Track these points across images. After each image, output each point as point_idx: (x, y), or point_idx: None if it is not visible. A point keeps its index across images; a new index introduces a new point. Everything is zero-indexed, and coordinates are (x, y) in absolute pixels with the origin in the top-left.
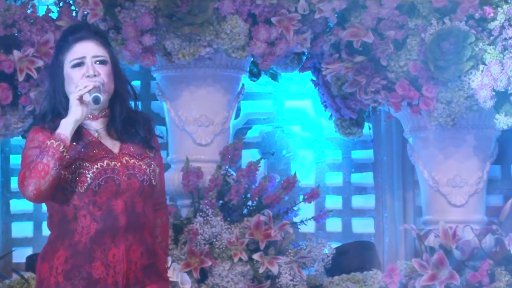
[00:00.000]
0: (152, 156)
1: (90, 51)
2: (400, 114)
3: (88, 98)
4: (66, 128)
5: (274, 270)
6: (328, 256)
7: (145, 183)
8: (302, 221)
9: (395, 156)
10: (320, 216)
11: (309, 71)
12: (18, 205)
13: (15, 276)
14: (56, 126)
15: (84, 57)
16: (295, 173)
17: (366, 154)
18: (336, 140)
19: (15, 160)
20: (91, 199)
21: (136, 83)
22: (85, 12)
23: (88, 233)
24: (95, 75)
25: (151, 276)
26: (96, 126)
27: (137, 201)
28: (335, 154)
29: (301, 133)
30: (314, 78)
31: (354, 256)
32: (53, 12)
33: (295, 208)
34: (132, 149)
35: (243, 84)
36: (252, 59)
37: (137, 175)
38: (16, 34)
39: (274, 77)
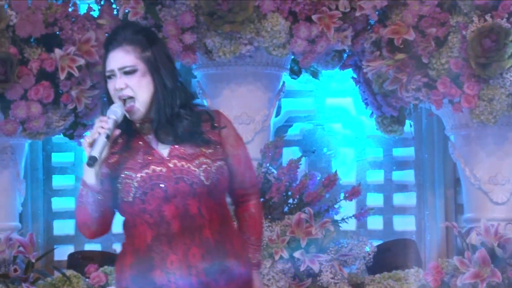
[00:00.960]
0: (209, 153)
1: (117, 63)
2: (441, 112)
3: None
4: (88, 174)
5: (315, 268)
6: (369, 254)
7: (195, 185)
8: (343, 219)
9: (436, 153)
10: (361, 214)
11: (350, 69)
12: (60, 203)
13: (56, 274)
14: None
15: (112, 70)
16: (336, 171)
17: (407, 152)
18: (377, 137)
19: (57, 158)
20: (141, 207)
21: None
22: (126, 11)
23: (145, 240)
24: (121, 89)
25: (219, 278)
26: (147, 129)
27: (190, 203)
28: (376, 151)
29: (342, 131)
30: (355, 76)
31: (395, 254)
32: (94, 10)
33: (336, 206)
34: (183, 150)
35: (283, 82)
36: (292, 57)
37: (185, 179)
38: (57, 33)
39: (314, 74)
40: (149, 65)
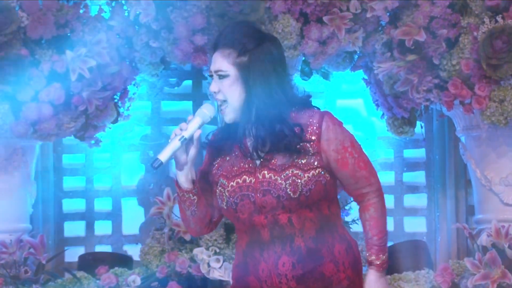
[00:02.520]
0: (302, 163)
1: (214, 65)
2: (452, 113)
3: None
4: (178, 174)
5: None
6: None
7: (281, 198)
8: (353, 220)
9: (447, 155)
10: None
11: (361, 70)
12: (71, 204)
13: (67, 275)
14: (215, 140)
15: (211, 71)
16: None
17: (418, 153)
18: (388, 139)
19: (68, 159)
20: (234, 215)
21: (187, 83)
22: (138, 12)
23: (241, 245)
24: (215, 92)
25: (312, 285)
26: (248, 133)
27: (279, 214)
28: (387, 153)
29: (353, 132)
30: (366, 77)
31: (406, 255)
32: (105, 12)
33: (346, 208)
34: (274, 160)
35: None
36: (303, 58)
37: (272, 191)
38: (68, 34)
39: (325, 76)
40: (242, 71)
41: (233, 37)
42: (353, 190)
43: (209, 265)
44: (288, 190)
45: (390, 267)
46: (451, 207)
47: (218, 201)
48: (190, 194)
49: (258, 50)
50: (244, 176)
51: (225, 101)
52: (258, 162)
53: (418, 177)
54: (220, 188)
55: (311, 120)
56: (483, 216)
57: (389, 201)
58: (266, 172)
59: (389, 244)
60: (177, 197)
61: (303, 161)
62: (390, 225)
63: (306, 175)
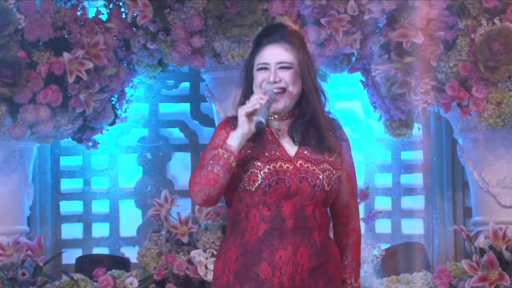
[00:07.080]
0: (331, 161)
1: (275, 57)
2: (449, 115)
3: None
4: (234, 140)
5: None
6: (377, 258)
7: (317, 188)
8: None
9: (444, 157)
10: (370, 217)
11: (359, 72)
12: (68, 206)
13: (64, 278)
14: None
15: (268, 64)
16: None
17: (415, 155)
18: (386, 141)
19: (65, 161)
20: (261, 198)
21: (185, 85)
22: (135, 14)
23: (257, 233)
24: (275, 82)
25: (318, 280)
26: (279, 126)
27: (307, 204)
28: (384, 155)
29: (350, 134)
30: (364, 79)
31: (404, 257)
32: (102, 14)
33: None
34: (308, 154)
35: None
36: None
37: (309, 179)
38: (66, 36)
39: (323, 78)
40: (302, 65)
41: (288, 36)
42: (344, 208)
43: (206, 267)
44: (324, 181)
45: (388, 269)
46: (448, 209)
47: (244, 185)
48: (234, 161)
49: (306, 49)
50: (280, 162)
51: (284, 89)
52: (292, 152)
53: (416, 179)
54: (253, 170)
55: (337, 121)
56: (481, 218)
57: (387, 203)
58: (302, 161)
59: (387, 246)
60: (215, 162)
61: (332, 159)
62: (388, 227)
63: (335, 173)
